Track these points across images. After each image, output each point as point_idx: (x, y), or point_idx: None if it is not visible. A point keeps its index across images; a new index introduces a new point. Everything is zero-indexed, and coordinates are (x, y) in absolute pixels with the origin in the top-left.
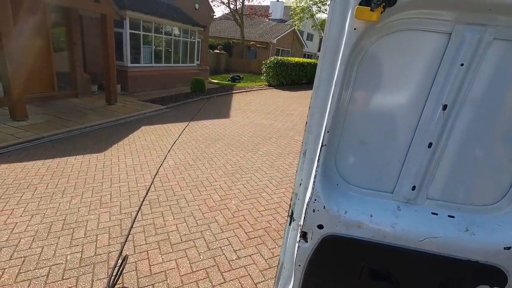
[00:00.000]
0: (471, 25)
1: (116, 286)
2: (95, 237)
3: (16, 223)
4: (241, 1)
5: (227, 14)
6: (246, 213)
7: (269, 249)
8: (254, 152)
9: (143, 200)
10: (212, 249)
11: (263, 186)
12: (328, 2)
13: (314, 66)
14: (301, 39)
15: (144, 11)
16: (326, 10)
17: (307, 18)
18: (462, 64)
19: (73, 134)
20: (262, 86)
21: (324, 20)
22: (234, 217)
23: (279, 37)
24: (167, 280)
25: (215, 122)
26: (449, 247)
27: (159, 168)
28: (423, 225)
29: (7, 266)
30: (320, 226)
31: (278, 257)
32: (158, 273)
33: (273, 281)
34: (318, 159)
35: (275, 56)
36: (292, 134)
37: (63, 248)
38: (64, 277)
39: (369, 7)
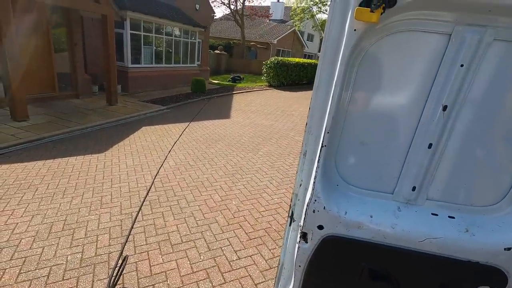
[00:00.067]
0: (471, 26)
1: (116, 287)
2: (96, 238)
3: (17, 223)
4: (241, 1)
5: (227, 14)
6: (247, 213)
7: (270, 250)
8: (255, 153)
9: (144, 201)
10: (212, 249)
11: (264, 187)
12: (329, 3)
13: (314, 67)
14: (302, 39)
15: (144, 12)
16: (326, 11)
17: (307, 19)
18: (462, 65)
19: (74, 135)
20: (262, 87)
21: (325, 20)
22: (234, 217)
23: (279, 37)
24: (167, 281)
25: (216, 122)
26: (449, 248)
27: (160, 168)
28: (423, 225)
29: (8, 267)
30: (320, 227)
31: (278, 258)
32: (158, 273)
33: (273, 282)
34: (318, 159)
35: (276, 57)
36: (293, 135)
37: (63, 249)
38: (64, 278)
39: (369, 8)
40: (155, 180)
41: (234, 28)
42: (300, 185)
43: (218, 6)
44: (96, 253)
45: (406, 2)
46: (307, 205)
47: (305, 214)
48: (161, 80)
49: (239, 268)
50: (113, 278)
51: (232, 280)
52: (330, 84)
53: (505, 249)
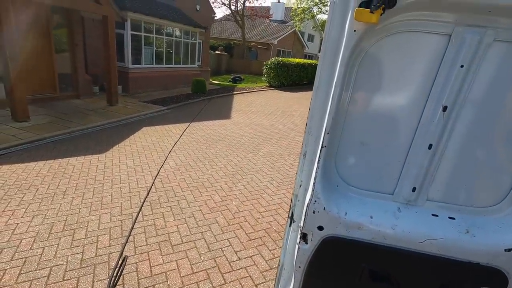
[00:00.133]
0: (471, 27)
1: (116, 287)
2: (96, 238)
3: (18, 224)
4: (242, 2)
5: (228, 15)
6: (247, 214)
7: (270, 250)
8: (255, 153)
9: (144, 201)
10: (212, 250)
11: (264, 187)
12: (329, 3)
13: (315, 67)
14: (302, 40)
15: (145, 13)
16: (327, 11)
17: (308, 19)
18: (462, 66)
19: (74, 135)
20: (263, 87)
21: (325, 21)
22: (234, 218)
23: (280, 38)
24: (167, 281)
25: (216, 123)
26: (449, 249)
27: (160, 169)
28: (423, 226)
29: (8, 267)
30: (320, 228)
31: (278, 258)
32: (158, 274)
33: (273, 283)
34: (318, 160)
35: (276, 57)
36: (293, 135)
37: (64, 249)
38: (65, 278)
39: (368, 9)
40: (155, 181)
41: (235, 28)
42: (300, 185)
43: (219, 7)
44: (96, 254)
45: (406, 2)
46: (307, 206)
47: (305, 215)
48: (161, 81)
49: (239, 269)
50: (113, 278)
51: (232, 281)
52: (330, 85)
53: (505, 250)
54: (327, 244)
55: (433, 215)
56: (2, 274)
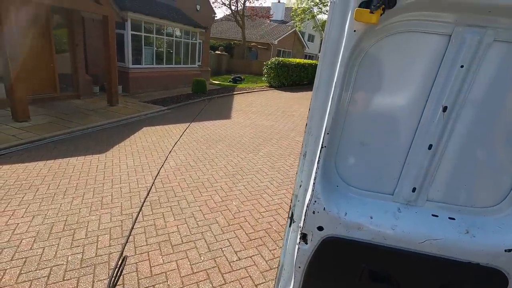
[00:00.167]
0: (471, 27)
1: (116, 287)
2: (96, 238)
3: (18, 224)
4: (242, 2)
5: (228, 15)
6: (247, 214)
7: (270, 251)
8: (255, 153)
9: (144, 201)
10: (212, 250)
11: (264, 187)
12: (329, 4)
13: (315, 67)
14: (302, 40)
15: (145, 13)
16: (327, 11)
17: (308, 19)
18: (462, 66)
19: (74, 135)
20: (263, 87)
21: (325, 21)
22: (235, 218)
23: (280, 38)
24: (167, 281)
25: (216, 123)
26: (449, 249)
27: (160, 169)
28: (423, 227)
29: (8, 267)
30: (320, 228)
31: (278, 259)
32: (158, 274)
33: (273, 283)
34: (318, 160)
35: (276, 57)
36: (293, 135)
37: (64, 249)
38: (65, 278)
39: (368, 9)
40: (155, 181)
41: (235, 28)
42: (300, 186)
43: (219, 7)
44: (96, 254)
45: (405, 3)
46: (307, 206)
47: (305, 215)
48: (162, 81)
49: (239, 269)
50: (113, 278)
51: (232, 281)
52: (330, 85)
53: (505, 250)
54: (327, 245)
55: (433, 215)
56: (2, 274)
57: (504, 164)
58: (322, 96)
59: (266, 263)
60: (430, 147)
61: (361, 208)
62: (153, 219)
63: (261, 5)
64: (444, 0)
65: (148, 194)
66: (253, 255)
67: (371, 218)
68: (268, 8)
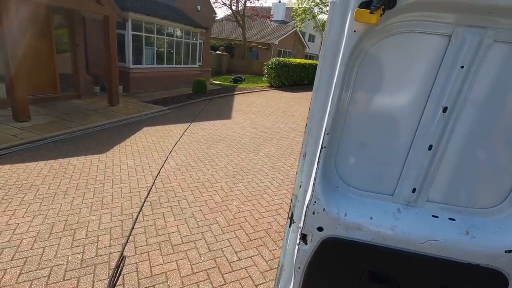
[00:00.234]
0: (471, 27)
1: (116, 287)
2: (96, 238)
3: (18, 223)
4: (243, 2)
5: (229, 15)
6: (247, 214)
7: (270, 251)
8: (256, 154)
9: (144, 201)
10: (213, 250)
11: (264, 188)
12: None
13: (315, 67)
14: (303, 40)
15: (146, 13)
16: (327, 12)
17: (308, 20)
18: (462, 67)
19: (75, 135)
20: (263, 87)
21: (326, 21)
22: (235, 218)
23: (280, 38)
24: (167, 282)
25: (217, 123)
26: (449, 250)
27: (161, 169)
28: (423, 227)
29: (9, 267)
30: (320, 228)
31: (278, 259)
32: (158, 274)
33: (273, 283)
34: (318, 161)
35: (277, 57)
36: (294, 136)
37: (64, 249)
38: (65, 278)
39: (368, 10)
40: (156, 181)
41: (236, 29)
42: (300, 186)
43: (220, 7)
44: (96, 254)
45: (405, 3)
46: (307, 207)
47: (304, 216)
48: (162, 81)
49: (239, 269)
50: (112, 278)
51: (232, 281)
52: (330, 85)
53: (506, 251)
54: (326, 245)
55: (433, 216)
56: (2, 274)
57: (505, 165)
58: (322, 96)
59: (266, 263)
60: (430, 147)
61: (361, 208)
62: (154, 219)
63: (261, 5)
64: (444, 0)
65: (148, 194)
66: (253, 255)
67: (371, 218)
68: (269, 8)
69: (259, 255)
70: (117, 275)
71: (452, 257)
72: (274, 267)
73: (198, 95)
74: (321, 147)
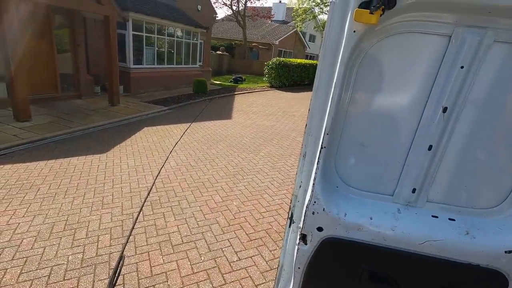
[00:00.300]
0: (471, 28)
1: (116, 287)
2: (97, 238)
3: (19, 223)
4: (243, 2)
5: (229, 15)
6: (247, 214)
7: (270, 251)
8: (256, 154)
9: (145, 201)
10: (213, 250)
11: (265, 188)
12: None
13: (316, 68)
14: (303, 40)
15: (146, 13)
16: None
17: (309, 20)
18: (462, 67)
19: (76, 135)
20: (264, 87)
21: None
22: (235, 218)
23: (281, 38)
24: (167, 281)
25: (217, 123)
26: (449, 251)
27: (161, 169)
28: (423, 228)
29: (9, 266)
30: (320, 229)
31: (278, 259)
32: (159, 274)
33: (273, 283)
34: (318, 161)
35: (277, 57)
36: (294, 136)
37: (65, 249)
38: (65, 278)
39: (368, 10)
40: (156, 181)
41: (236, 29)
42: (300, 186)
43: (220, 7)
44: (97, 253)
45: (405, 3)
46: (307, 207)
47: (304, 216)
48: (163, 81)
49: (239, 269)
50: (111, 278)
51: (232, 281)
52: (330, 86)
53: (505, 252)
54: (326, 245)
55: (433, 216)
56: (3, 273)
57: (505, 165)
58: (322, 96)
59: (266, 263)
60: (430, 147)
61: (361, 208)
62: (154, 219)
63: (262, 6)
64: (444, 1)
65: (148, 194)
66: (253, 256)
67: (371, 219)
68: (269, 8)
69: (259, 255)
70: (117, 275)
71: (452, 258)
72: (274, 267)
73: (199, 95)
74: (321, 147)
